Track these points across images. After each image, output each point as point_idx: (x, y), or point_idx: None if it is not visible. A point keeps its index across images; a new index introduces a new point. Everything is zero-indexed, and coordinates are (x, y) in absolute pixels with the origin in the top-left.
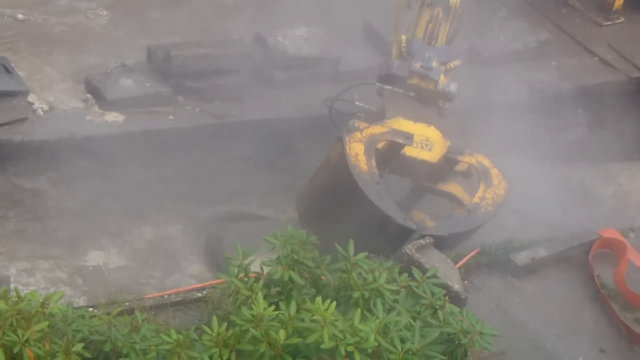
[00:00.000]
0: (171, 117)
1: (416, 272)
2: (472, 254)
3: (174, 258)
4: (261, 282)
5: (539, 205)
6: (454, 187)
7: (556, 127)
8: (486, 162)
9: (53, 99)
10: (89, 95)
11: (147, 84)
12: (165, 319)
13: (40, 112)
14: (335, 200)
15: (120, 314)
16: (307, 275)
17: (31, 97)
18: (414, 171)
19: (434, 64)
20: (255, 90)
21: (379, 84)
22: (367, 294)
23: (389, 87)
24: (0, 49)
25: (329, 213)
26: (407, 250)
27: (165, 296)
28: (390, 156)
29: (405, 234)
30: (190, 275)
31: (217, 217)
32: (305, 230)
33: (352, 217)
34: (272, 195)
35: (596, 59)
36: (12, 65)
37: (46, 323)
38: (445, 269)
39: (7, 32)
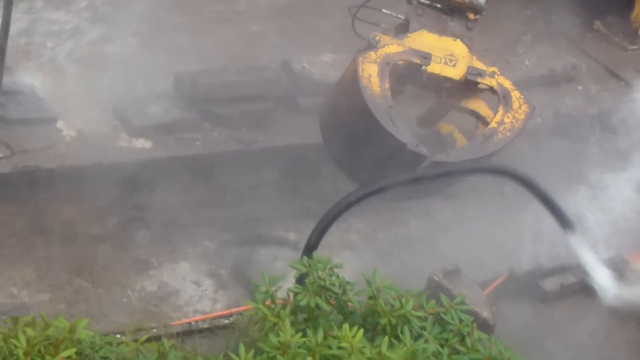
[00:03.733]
0: (198, 143)
1: (444, 299)
2: (500, 280)
3: (202, 282)
4: (288, 308)
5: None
6: (477, 104)
7: (582, 152)
8: (507, 84)
9: (81, 126)
10: (117, 122)
11: (175, 111)
12: (192, 346)
13: (68, 138)
14: (348, 121)
15: (148, 340)
16: (334, 301)
17: (60, 124)
18: (438, 87)
19: None
20: (282, 116)
21: None
22: (394, 321)
23: None
24: (30, 76)
25: (343, 133)
26: (435, 277)
27: (193, 323)
28: (410, 74)
29: (416, 160)
30: (217, 301)
31: (243, 241)
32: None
33: (364, 140)
34: (298, 220)
35: (622, 83)
36: (41, 92)
37: (74, 350)
38: (473, 296)
39: (36, 59)
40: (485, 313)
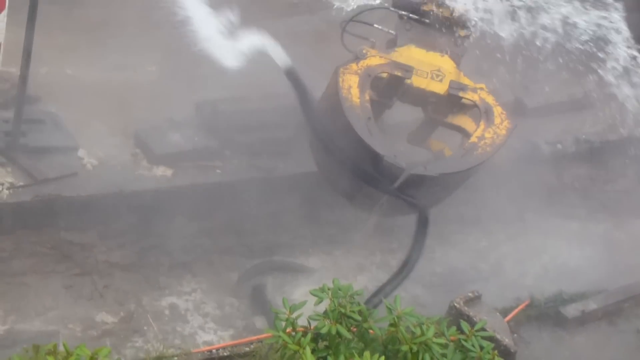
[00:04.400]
0: (219, 171)
1: (464, 326)
2: (521, 306)
3: (222, 309)
4: (309, 336)
5: (587, 256)
6: (463, 120)
7: (602, 178)
8: (490, 99)
9: (102, 154)
10: (137, 150)
11: (195, 138)
12: None
13: (89, 166)
14: (329, 131)
15: None
16: (355, 329)
17: (81, 152)
18: (424, 102)
19: None
20: (302, 144)
21: (393, 9)
22: (415, 348)
23: (403, 12)
24: (50, 105)
25: (325, 141)
26: (456, 304)
27: (214, 351)
28: (393, 87)
29: (394, 172)
30: (237, 329)
31: (263, 269)
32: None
33: (343, 150)
34: (318, 247)
35: None
36: (62, 120)
37: None
38: (494, 322)
39: (57, 88)
40: (506, 340)
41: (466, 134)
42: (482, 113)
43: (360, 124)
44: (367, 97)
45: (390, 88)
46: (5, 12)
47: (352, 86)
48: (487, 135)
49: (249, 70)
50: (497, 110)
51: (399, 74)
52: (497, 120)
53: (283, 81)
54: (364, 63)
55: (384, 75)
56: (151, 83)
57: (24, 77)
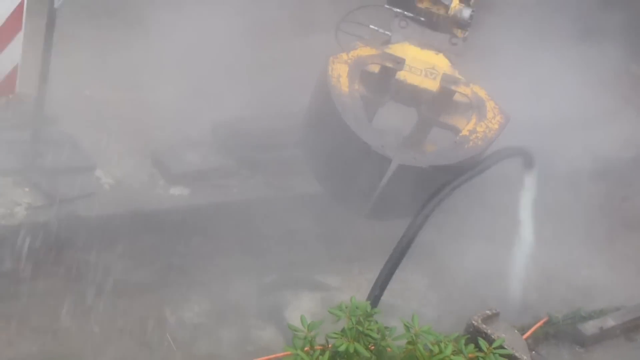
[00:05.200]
0: (235, 190)
1: (482, 343)
2: (539, 324)
3: (241, 328)
4: (327, 354)
5: (604, 273)
6: (457, 120)
7: (620, 195)
8: (482, 93)
9: (119, 174)
10: (154, 170)
11: (212, 158)
12: None
13: (107, 186)
14: (318, 121)
15: None
16: (373, 347)
17: (98, 172)
18: (417, 100)
19: None
20: None
21: (387, 6)
22: None
23: (398, 9)
24: (68, 125)
25: (313, 133)
26: (473, 321)
27: None
28: (385, 82)
29: (381, 162)
30: (255, 347)
31: (281, 287)
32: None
33: (332, 141)
34: (336, 265)
35: None
36: (79, 141)
37: None
38: (512, 340)
39: (74, 109)
40: (524, 357)
41: (458, 132)
42: (473, 106)
43: (349, 113)
44: (357, 87)
45: (381, 82)
46: (22, 33)
47: (341, 75)
48: (478, 129)
49: (265, 89)
50: (490, 104)
51: (390, 65)
52: (489, 115)
53: (298, 99)
54: (354, 53)
55: (375, 69)
56: (168, 103)
57: (41, 98)
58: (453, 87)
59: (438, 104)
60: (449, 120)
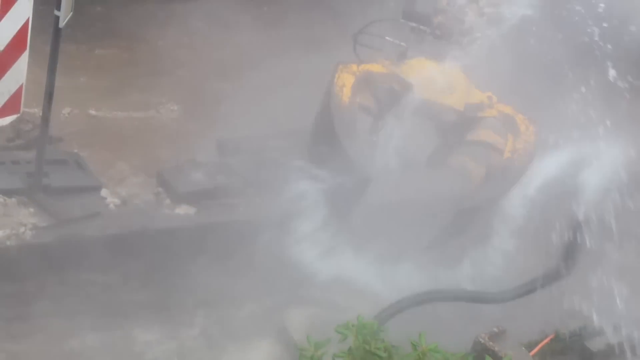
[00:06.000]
0: (241, 209)
1: None
2: (546, 341)
3: (247, 346)
4: None
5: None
6: (483, 134)
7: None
8: (508, 110)
9: (125, 193)
10: (160, 189)
11: (218, 177)
12: None
13: (112, 206)
14: (318, 124)
15: None
16: None
17: (104, 192)
18: (437, 116)
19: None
20: None
21: (403, 20)
22: None
23: (413, 24)
24: (73, 145)
25: (315, 134)
26: (480, 339)
27: None
28: (391, 101)
29: (362, 180)
30: None
31: (288, 305)
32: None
33: (326, 146)
34: (341, 282)
35: None
36: (85, 160)
37: None
38: (520, 357)
39: (79, 128)
40: None
41: (490, 146)
42: (506, 126)
43: (343, 124)
44: (358, 100)
45: (388, 101)
46: (26, 52)
47: (345, 85)
48: (518, 146)
49: (270, 108)
50: (519, 118)
51: (397, 87)
52: (522, 128)
53: (304, 118)
54: (365, 67)
55: (384, 85)
56: (173, 122)
57: (45, 118)
58: (480, 114)
59: (460, 124)
60: (475, 137)
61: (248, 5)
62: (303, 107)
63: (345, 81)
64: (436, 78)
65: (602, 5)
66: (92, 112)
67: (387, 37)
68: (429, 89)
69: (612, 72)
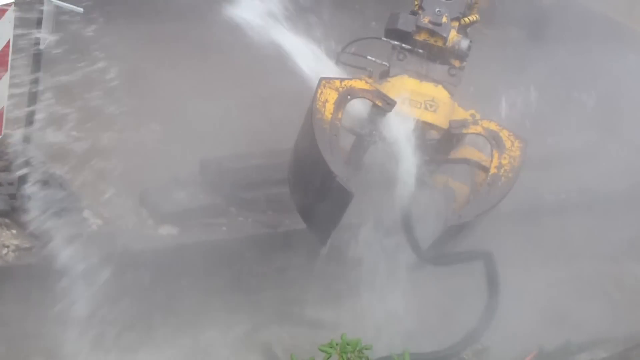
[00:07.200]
0: (224, 228)
1: None
2: (530, 357)
3: None
4: None
5: (591, 305)
6: (467, 151)
7: (607, 227)
8: (493, 126)
9: (107, 214)
10: (143, 209)
11: (200, 196)
12: None
13: (94, 227)
14: (299, 141)
15: None
16: None
17: (86, 213)
18: (420, 134)
19: (444, 19)
20: None
21: (385, 39)
22: None
23: (396, 42)
24: (55, 167)
25: (294, 152)
26: (465, 356)
27: None
28: (374, 118)
29: (343, 197)
30: None
31: (273, 325)
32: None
33: (304, 163)
34: (328, 302)
35: None
36: (67, 181)
37: None
38: None
39: (61, 150)
40: None
41: (474, 164)
42: (491, 142)
43: (324, 139)
44: (340, 116)
45: (373, 119)
46: (7, 74)
47: (328, 100)
48: (503, 162)
49: (252, 127)
50: (504, 134)
51: (380, 103)
52: (507, 144)
53: (286, 137)
54: (347, 83)
55: (367, 100)
56: (155, 142)
57: (27, 140)
58: (464, 131)
59: (444, 143)
60: (459, 154)
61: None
62: (285, 126)
63: (328, 97)
64: (419, 96)
65: None
66: (74, 133)
67: (368, 57)
68: (412, 107)
69: None
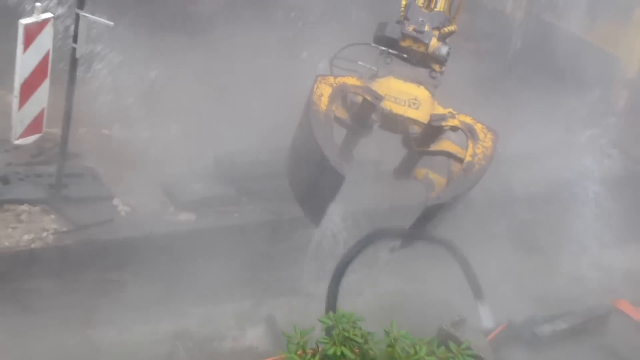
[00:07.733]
0: (236, 215)
1: (452, 346)
2: (500, 328)
3: (240, 336)
4: (317, 357)
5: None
6: (445, 144)
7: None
8: (469, 120)
9: (134, 202)
10: (165, 198)
11: (215, 187)
12: None
13: (123, 213)
14: (298, 132)
15: None
16: (357, 350)
17: (115, 201)
18: (403, 128)
19: (426, 27)
20: None
21: (374, 45)
22: None
23: (383, 48)
24: (88, 160)
25: (293, 142)
26: (444, 326)
27: None
28: (364, 113)
29: (336, 180)
30: (254, 350)
31: (277, 298)
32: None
33: (303, 151)
34: (325, 279)
35: None
36: (99, 174)
37: None
38: (478, 342)
39: (94, 146)
40: (488, 357)
41: (452, 155)
42: (466, 133)
43: (320, 128)
44: (334, 108)
45: (363, 113)
46: (47, 80)
47: (323, 94)
48: (477, 151)
49: (260, 127)
50: (478, 126)
51: (369, 98)
52: (481, 136)
53: (290, 136)
54: (341, 79)
55: (359, 98)
56: (175, 139)
57: (65, 137)
58: (443, 124)
59: (425, 136)
60: (438, 147)
61: None
62: (291, 126)
63: (323, 91)
64: (403, 95)
65: None
66: (105, 131)
67: (359, 62)
68: (397, 104)
69: None
